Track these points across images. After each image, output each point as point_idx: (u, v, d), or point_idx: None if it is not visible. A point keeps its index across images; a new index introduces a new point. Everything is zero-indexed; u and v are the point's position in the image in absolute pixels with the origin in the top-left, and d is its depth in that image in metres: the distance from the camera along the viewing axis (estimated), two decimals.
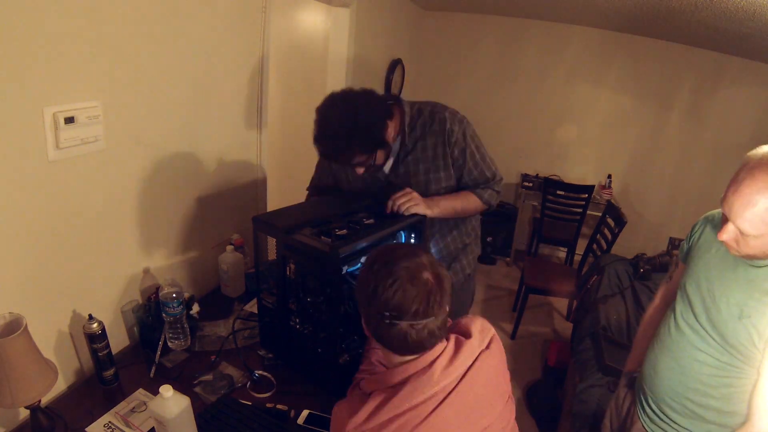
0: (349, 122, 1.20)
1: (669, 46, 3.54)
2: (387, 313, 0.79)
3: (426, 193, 1.37)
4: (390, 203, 1.29)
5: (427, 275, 0.80)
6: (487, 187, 1.46)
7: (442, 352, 0.84)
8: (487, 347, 0.89)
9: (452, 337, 0.88)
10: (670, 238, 3.45)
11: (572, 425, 1.80)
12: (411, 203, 1.29)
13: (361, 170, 1.33)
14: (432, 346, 0.83)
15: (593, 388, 1.81)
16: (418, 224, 1.32)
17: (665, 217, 3.97)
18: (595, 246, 3.11)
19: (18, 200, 0.99)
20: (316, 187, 1.64)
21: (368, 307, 0.83)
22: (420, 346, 0.82)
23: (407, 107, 1.40)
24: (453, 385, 0.82)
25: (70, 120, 1.03)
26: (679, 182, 3.87)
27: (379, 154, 1.33)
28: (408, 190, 1.32)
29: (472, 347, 0.86)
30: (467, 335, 0.89)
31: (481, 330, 0.91)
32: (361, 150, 1.26)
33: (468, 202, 1.45)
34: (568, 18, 3.60)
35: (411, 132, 1.40)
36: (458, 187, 1.46)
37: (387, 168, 1.44)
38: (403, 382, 0.82)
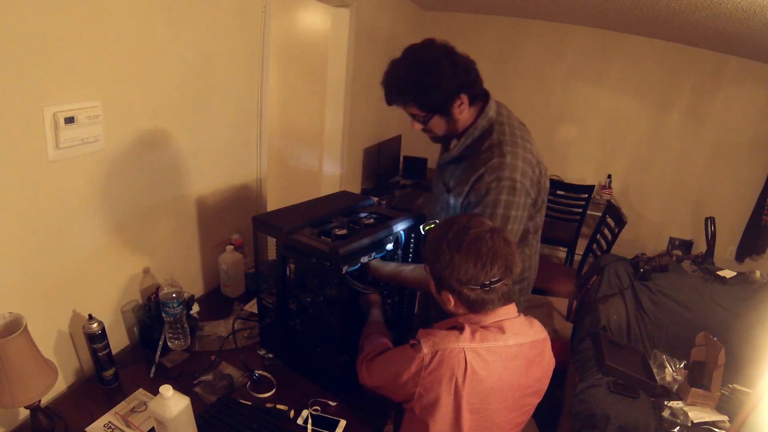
0: (416, 72, 1.14)
1: (669, 46, 3.54)
2: (458, 285, 0.89)
3: (441, 209, 1.34)
4: None
5: (497, 242, 0.88)
6: None
7: (517, 317, 0.97)
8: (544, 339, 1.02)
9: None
10: (670, 238, 3.45)
11: (572, 425, 1.79)
12: None
13: (417, 126, 1.23)
14: (502, 304, 0.94)
15: (593, 388, 1.81)
16: (418, 224, 1.32)
17: (665, 217, 3.96)
18: (595, 246, 3.11)
19: (18, 200, 0.99)
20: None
21: (443, 273, 0.91)
22: (491, 304, 0.93)
23: (487, 116, 1.23)
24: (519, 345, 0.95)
25: (70, 120, 1.03)
26: (679, 182, 3.86)
27: (437, 121, 1.21)
28: None
29: (537, 330, 1.00)
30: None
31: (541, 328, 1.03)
32: (417, 104, 1.18)
33: None
34: (568, 18, 3.60)
35: (464, 141, 1.24)
36: None
37: (444, 159, 1.31)
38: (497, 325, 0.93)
